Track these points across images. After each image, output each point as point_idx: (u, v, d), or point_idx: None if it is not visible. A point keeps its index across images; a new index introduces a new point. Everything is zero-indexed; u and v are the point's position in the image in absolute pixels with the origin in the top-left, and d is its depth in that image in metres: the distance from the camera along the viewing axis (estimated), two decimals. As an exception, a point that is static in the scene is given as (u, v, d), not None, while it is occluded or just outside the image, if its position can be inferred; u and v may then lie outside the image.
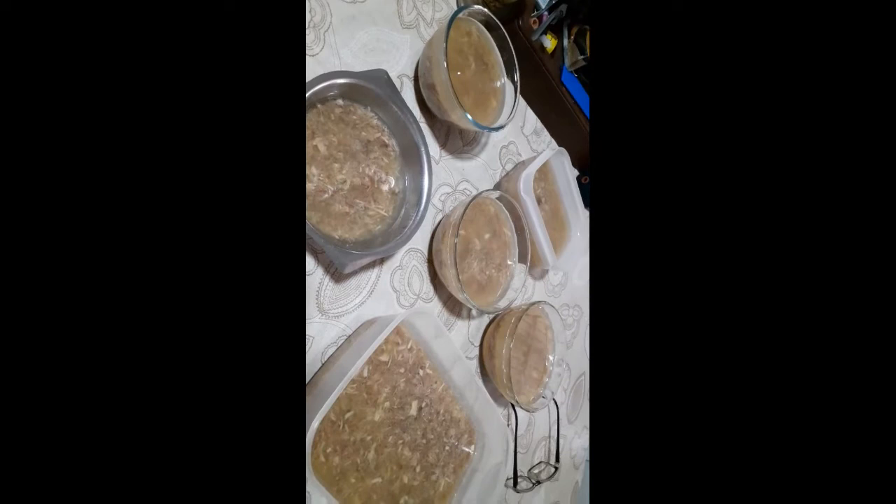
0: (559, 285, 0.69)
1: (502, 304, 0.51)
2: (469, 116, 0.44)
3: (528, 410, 0.54)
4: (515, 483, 0.50)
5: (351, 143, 0.40)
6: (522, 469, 0.56)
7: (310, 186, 0.37)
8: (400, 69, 0.46)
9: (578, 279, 0.73)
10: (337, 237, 0.38)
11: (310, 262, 0.38)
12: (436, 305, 0.49)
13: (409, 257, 0.47)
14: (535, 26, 0.73)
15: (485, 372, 0.54)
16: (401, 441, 0.42)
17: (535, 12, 0.73)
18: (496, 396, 0.54)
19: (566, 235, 0.66)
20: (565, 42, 0.80)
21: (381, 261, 0.44)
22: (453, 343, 0.44)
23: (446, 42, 0.42)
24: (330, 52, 0.41)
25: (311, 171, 0.37)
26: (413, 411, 0.43)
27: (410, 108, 0.43)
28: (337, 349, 0.40)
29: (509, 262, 0.54)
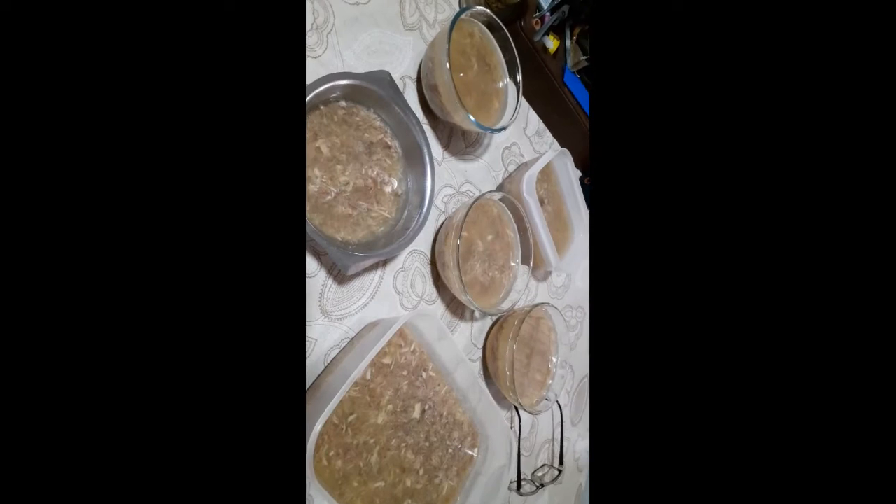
0: (562, 287, 0.69)
1: (505, 305, 0.51)
2: (472, 117, 0.44)
3: (531, 413, 0.54)
4: (519, 486, 0.50)
5: (354, 145, 0.40)
6: (526, 472, 0.55)
7: (313, 188, 0.37)
8: (403, 71, 0.46)
9: (581, 281, 0.73)
10: (340, 239, 0.38)
11: (313, 264, 0.38)
12: (439, 307, 0.49)
13: (412, 259, 0.47)
14: (537, 27, 0.73)
15: (488, 374, 0.54)
16: (404, 444, 0.41)
17: (538, 13, 0.73)
18: (499, 399, 0.54)
19: (569, 237, 0.65)
20: (567, 43, 0.80)
21: (384, 263, 0.44)
22: (456, 345, 0.44)
23: (449, 43, 0.42)
24: (333, 54, 0.41)
25: (314, 172, 0.37)
26: (416, 414, 0.43)
27: (413, 109, 0.43)
28: (340, 352, 0.40)
29: (512, 264, 0.54)
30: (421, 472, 0.43)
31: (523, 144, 0.63)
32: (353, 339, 0.41)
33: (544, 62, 0.75)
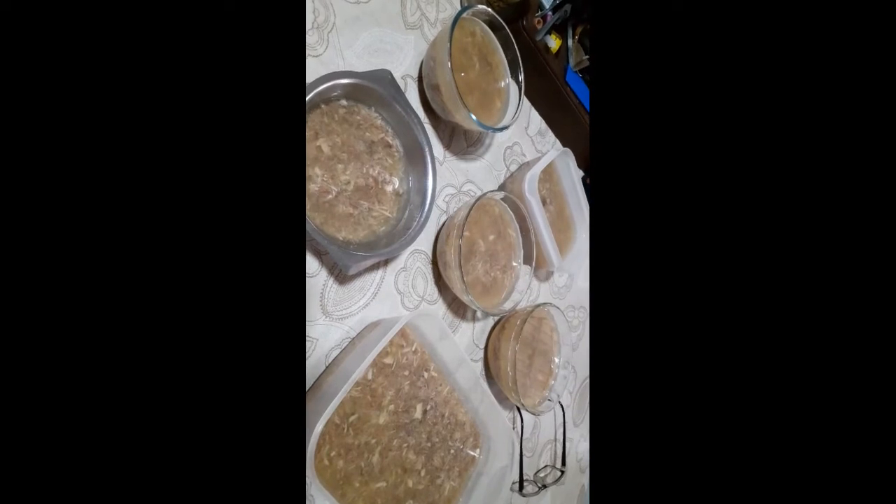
0: (564, 287, 0.69)
1: (507, 305, 0.51)
2: (473, 117, 0.44)
3: (533, 413, 0.54)
4: (521, 487, 0.50)
5: (355, 144, 0.40)
6: (528, 473, 0.55)
7: (313, 187, 0.37)
8: (404, 70, 0.46)
9: (584, 281, 0.73)
10: (341, 238, 0.38)
11: (314, 264, 0.38)
12: (440, 307, 0.49)
13: (414, 259, 0.46)
14: (539, 26, 0.73)
15: (490, 374, 0.54)
16: (405, 444, 0.41)
17: (539, 12, 0.73)
18: (501, 399, 0.54)
19: (571, 236, 0.65)
20: (569, 42, 0.80)
21: (386, 262, 0.44)
22: (458, 345, 0.44)
23: (450, 42, 0.41)
24: (334, 53, 0.40)
25: (315, 171, 0.37)
26: (418, 414, 0.43)
27: (414, 108, 0.43)
28: (341, 352, 0.40)
29: (514, 264, 0.54)
30: (423, 473, 0.42)
31: (525, 144, 0.62)
32: (354, 339, 0.41)
33: (546, 61, 0.75)
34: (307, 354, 0.38)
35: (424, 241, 0.48)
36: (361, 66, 0.42)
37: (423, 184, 0.43)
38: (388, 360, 0.41)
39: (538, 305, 0.53)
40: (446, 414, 0.45)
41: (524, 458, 0.52)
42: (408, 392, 0.42)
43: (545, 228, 0.54)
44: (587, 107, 0.83)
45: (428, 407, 0.44)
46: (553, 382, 0.59)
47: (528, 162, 0.60)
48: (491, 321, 0.55)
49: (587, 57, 0.80)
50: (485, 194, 0.46)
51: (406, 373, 0.42)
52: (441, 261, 0.47)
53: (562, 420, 0.61)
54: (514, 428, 0.54)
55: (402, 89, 0.42)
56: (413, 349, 0.43)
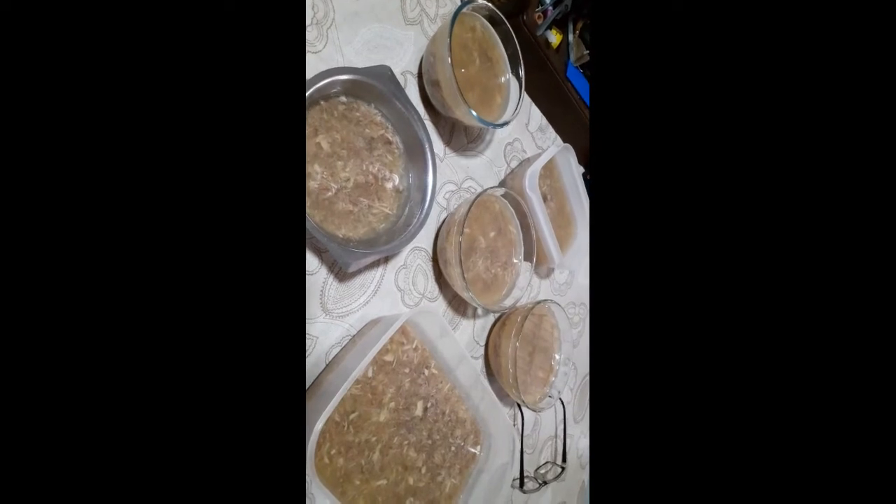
0: (565, 284, 0.69)
1: (508, 302, 0.51)
2: (474, 113, 0.43)
3: (534, 410, 0.54)
4: (522, 483, 0.50)
5: (354, 141, 0.40)
6: (529, 469, 0.55)
7: (313, 184, 0.37)
8: (404, 66, 0.46)
9: (584, 277, 0.73)
10: (341, 236, 0.38)
11: (313, 261, 0.38)
12: (441, 304, 0.49)
13: (414, 256, 0.46)
14: (539, 21, 0.73)
15: (490, 371, 0.54)
16: (406, 442, 0.41)
17: (540, 7, 0.72)
18: (502, 396, 0.54)
19: (572, 233, 0.65)
20: (570, 37, 0.79)
21: (386, 259, 0.44)
22: (458, 342, 0.44)
23: (450, 38, 0.41)
24: (333, 49, 0.40)
25: (315, 168, 0.37)
26: (418, 412, 0.42)
27: (414, 104, 0.42)
28: (341, 349, 0.40)
29: (515, 261, 0.54)
30: (423, 470, 0.42)
31: (526, 140, 0.62)
32: (354, 336, 0.41)
33: (547, 57, 0.75)
34: (307, 352, 0.38)
35: (425, 238, 0.47)
36: (361, 63, 0.42)
37: (424, 180, 0.43)
38: (389, 358, 0.41)
39: (539, 302, 0.53)
40: (447, 411, 0.45)
41: (525, 455, 0.52)
42: (408, 389, 0.42)
43: (546, 225, 0.53)
44: (588, 102, 0.82)
45: (428, 404, 0.44)
46: (554, 379, 0.59)
47: (528, 158, 0.60)
48: (491, 318, 0.55)
49: (588, 52, 0.79)
50: (485, 191, 0.46)
51: (406, 370, 0.42)
52: (441, 258, 0.46)
53: (562, 417, 0.61)
54: (514, 425, 0.54)
55: (402, 85, 0.42)
56: (413, 346, 0.43)
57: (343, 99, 0.39)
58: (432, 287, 0.48)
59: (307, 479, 0.31)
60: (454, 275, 0.44)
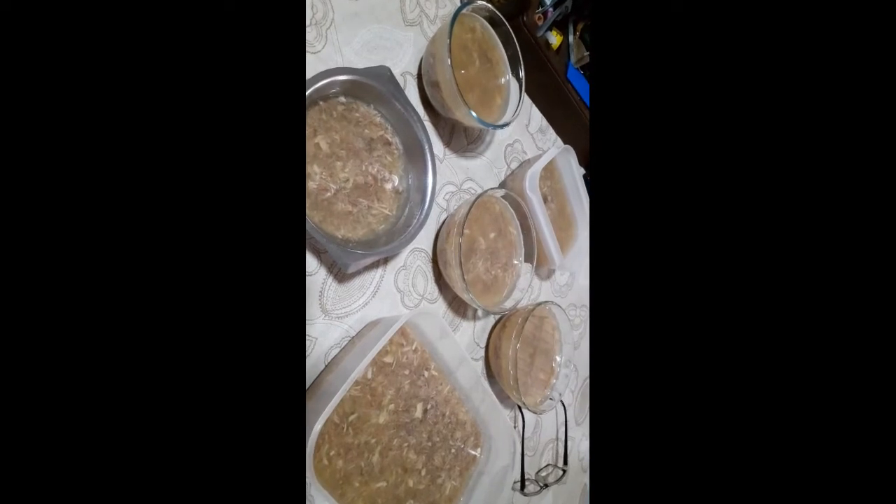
0: (566, 285, 0.68)
1: (508, 304, 0.51)
2: (474, 114, 0.43)
3: (535, 412, 0.53)
4: (523, 486, 0.49)
5: (354, 141, 0.40)
6: (530, 472, 0.55)
7: (312, 185, 0.37)
8: (403, 67, 0.46)
9: (585, 279, 0.72)
10: (340, 237, 0.38)
11: (312, 263, 0.38)
12: (441, 306, 0.49)
13: (414, 257, 0.46)
14: (539, 22, 0.73)
15: (491, 373, 0.53)
16: (406, 444, 0.41)
17: (540, 8, 0.72)
18: (503, 398, 0.54)
19: (573, 234, 0.65)
20: (571, 38, 0.79)
21: (385, 261, 0.44)
22: (458, 344, 0.44)
23: (450, 39, 0.41)
24: (332, 50, 0.40)
25: (314, 169, 0.37)
26: (418, 413, 0.42)
27: (414, 106, 0.42)
28: (340, 350, 0.39)
29: (515, 262, 0.53)
30: (423, 473, 0.42)
31: (526, 141, 0.62)
32: (353, 337, 0.40)
33: (547, 58, 0.75)
34: (306, 353, 0.37)
35: (424, 240, 0.47)
36: (360, 63, 0.42)
37: (423, 181, 0.43)
38: (388, 359, 0.41)
39: (539, 304, 0.53)
40: (447, 413, 0.45)
41: (525, 458, 0.51)
42: (408, 391, 0.42)
43: (546, 226, 0.53)
44: (588, 103, 0.82)
45: (428, 406, 0.43)
46: (555, 381, 0.59)
47: (528, 159, 0.60)
48: (492, 320, 0.54)
49: (588, 53, 0.79)
50: (485, 192, 0.46)
51: (406, 372, 0.42)
52: (441, 259, 0.46)
53: (563, 419, 0.61)
54: (515, 427, 0.54)
55: (402, 86, 0.42)
56: (413, 348, 0.43)
57: (342, 99, 0.39)
58: (432, 288, 0.48)
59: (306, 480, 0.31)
60: (454, 276, 0.44)
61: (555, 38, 0.78)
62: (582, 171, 0.65)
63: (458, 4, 0.51)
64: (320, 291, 0.38)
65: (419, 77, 0.47)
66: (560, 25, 0.78)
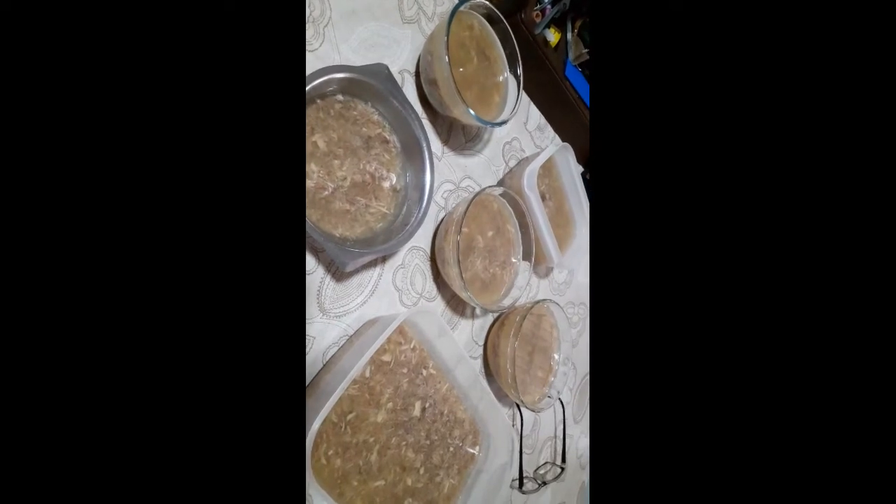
0: (564, 283, 0.68)
1: (506, 302, 0.51)
2: (472, 112, 0.43)
3: (533, 410, 0.53)
4: (521, 484, 0.49)
5: (351, 140, 0.40)
6: (528, 470, 0.55)
7: (309, 184, 0.37)
8: (401, 64, 0.46)
9: (584, 277, 0.72)
10: (338, 235, 0.38)
11: (310, 261, 0.38)
12: (439, 304, 0.49)
13: (412, 255, 0.46)
14: (537, 20, 0.72)
15: (489, 372, 0.53)
16: (404, 443, 0.41)
17: (538, 5, 0.72)
18: (501, 396, 0.54)
19: (571, 232, 0.65)
20: (569, 36, 0.79)
21: (383, 259, 0.43)
22: (457, 342, 0.44)
23: (448, 36, 0.41)
24: (329, 48, 0.40)
25: (311, 167, 0.37)
26: (416, 412, 0.42)
27: (412, 103, 0.42)
28: (338, 349, 0.39)
29: (513, 260, 0.53)
30: (421, 471, 0.42)
31: (524, 139, 0.62)
32: (351, 336, 0.40)
33: (545, 55, 0.74)
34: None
35: (422, 238, 0.47)
36: (358, 61, 0.42)
37: (421, 179, 0.43)
38: (387, 358, 0.41)
39: (538, 302, 0.53)
40: (445, 411, 0.45)
41: (524, 455, 0.51)
42: (406, 390, 0.42)
43: (544, 224, 0.53)
44: (587, 101, 0.82)
45: (427, 405, 0.43)
46: (553, 379, 0.59)
47: (527, 157, 0.60)
48: (490, 318, 0.54)
49: (587, 51, 0.79)
50: (483, 190, 0.46)
51: (404, 370, 0.42)
52: (439, 257, 0.46)
53: (562, 417, 0.61)
54: (513, 425, 0.54)
55: (400, 84, 0.42)
56: (411, 346, 0.43)
57: (340, 97, 0.39)
58: (430, 287, 0.48)
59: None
60: (452, 274, 0.44)
61: (553, 36, 0.77)
62: (580, 168, 0.64)
63: (456, 2, 0.51)
64: (318, 290, 0.38)
65: (417, 75, 0.47)
66: (558, 23, 0.78)
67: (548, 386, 0.58)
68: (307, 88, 0.35)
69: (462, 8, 0.43)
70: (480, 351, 0.54)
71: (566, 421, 0.61)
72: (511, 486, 0.49)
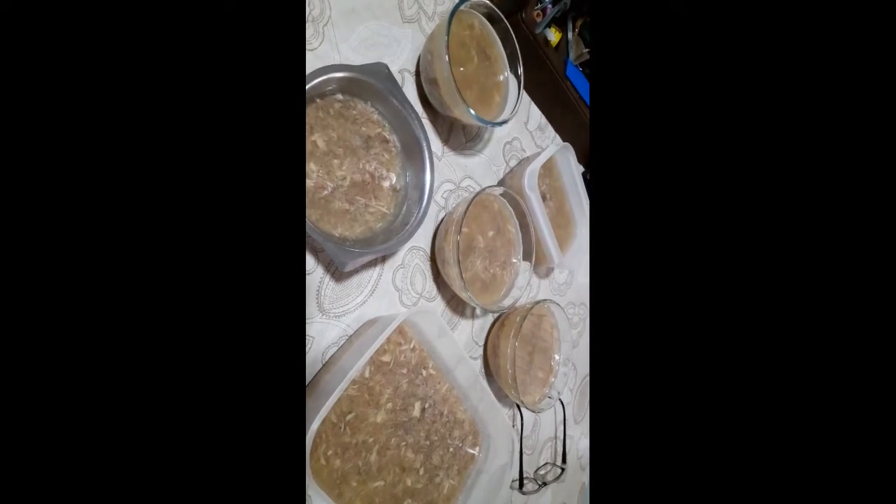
0: (565, 283, 0.68)
1: (507, 302, 0.50)
2: (472, 111, 0.43)
3: (533, 411, 0.53)
4: (521, 485, 0.49)
5: (351, 139, 0.39)
6: (528, 470, 0.55)
7: (309, 183, 0.36)
8: (401, 64, 0.46)
9: (584, 277, 0.72)
10: (337, 235, 0.38)
11: (310, 261, 0.38)
12: (439, 304, 0.49)
13: (412, 255, 0.46)
14: (538, 19, 0.72)
15: (489, 372, 0.53)
16: (404, 443, 0.41)
17: (539, 5, 0.72)
18: (501, 397, 0.54)
19: (572, 232, 0.65)
20: (570, 35, 0.79)
21: (383, 259, 0.43)
22: (457, 343, 0.44)
23: (448, 35, 0.41)
24: (329, 47, 0.40)
25: (310, 167, 0.37)
26: (416, 412, 0.42)
27: (412, 103, 0.42)
28: (338, 349, 0.39)
29: (514, 260, 0.53)
30: (421, 472, 0.42)
31: (525, 139, 0.62)
32: (351, 336, 0.40)
33: (546, 55, 0.74)
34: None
35: (422, 238, 0.47)
36: (357, 61, 0.42)
37: (421, 179, 0.43)
38: (386, 358, 0.40)
39: (538, 302, 0.53)
40: (445, 412, 0.45)
41: (524, 456, 0.51)
42: (406, 390, 0.42)
43: (545, 224, 0.53)
44: (587, 101, 0.82)
45: (426, 405, 0.43)
46: (553, 380, 0.59)
47: (527, 157, 0.59)
48: (490, 318, 0.54)
49: (587, 50, 0.79)
50: (484, 190, 0.45)
51: (404, 371, 0.42)
52: (439, 257, 0.46)
53: (562, 417, 0.61)
54: (513, 426, 0.54)
55: (400, 84, 0.42)
56: (411, 347, 0.43)
57: (339, 97, 0.39)
58: (430, 287, 0.48)
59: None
60: (452, 274, 0.44)
61: (553, 35, 0.77)
62: (581, 168, 0.64)
63: (457, 1, 0.51)
64: (318, 290, 0.38)
65: (417, 74, 0.47)
66: (559, 22, 0.77)
67: (548, 386, 0.58)
68: (307, 87, 0.35)
69: (462, 7, 0.43)
70: (480, 351, 0.53)
71: (566, 422, 0.61)
72: (511, 487, 0.48)
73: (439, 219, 0.49)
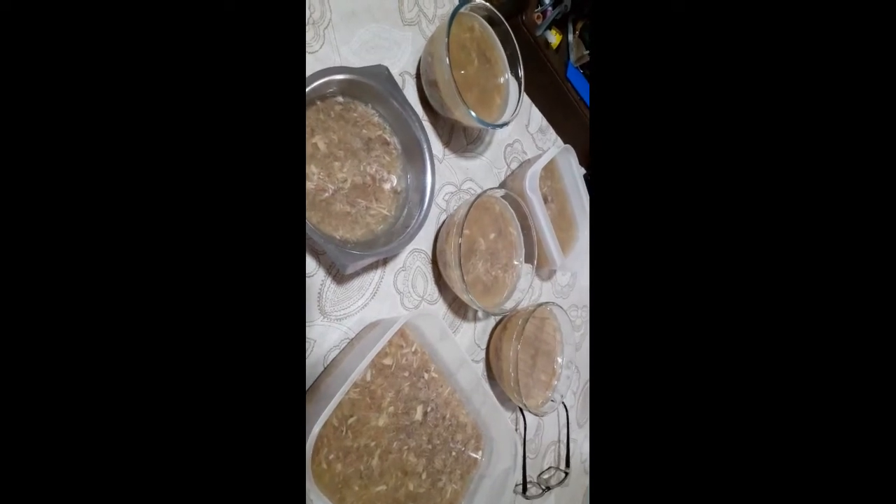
0: (567, 286, 0.68)
1: (509, 305, 0.50)
2: (473, 113, 0.43)
3: (536, 414, 0.53)
4: (525, 489, 0.49)
5: (351, 141, 0.39)
6: (532, 474, 0.54)
7: (310, 185, 0.36)
8: (402, 66, 0.46)
9: (586, 279, 0.72)
10: (338, 237, 0.38)
11: (311, 264, 0.37)
12: (441, 307, 0.48)
13: (413, 258, 0.46)
14: (538, 21, 0.72)
15: (492, 375, 0.53)
16: (406, 447, 0.41)
17: (539, 7, 0.72)
18: (504, 400, 0.53)
19: (574, 235, 0.64)
20: (570, 37, 0.79)
21: (384, 261, 0.43)
22: (459, 346, 0.43)
23: (448, 38, 0.41)
24: (330, 50, 0.40)
25: (311, 169, 0.37)
26: (418, 416, 0.42)
27: (412, 105, 0.42)
28: (339, 352, 0.39)
29: (515, 263, 0.53)
30: (423, 476, 0.42)
31: (526, 141, 0.62)
32: (352, 339, 0.40)
33: (546, 57, 0.74)
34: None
35: (424, 240, 0.47)
36: (358, 63, 0.42)
37: (422, 181, 0.43)
38: (388, 361, 0.40)
39: (540, 305, 0.52)
40: (447, 415, 0.45)
41: (527, 460, 0.51)
42: (408, 393, 0.41)
43: (547, 226, 0.53)
44: (588, 103, 0.82)
45: (428, 409, 0.43)
46: (556, 383, 0.58)
47: (528, 159, 0.59)
48: (492, 321, 0.54)
49: (588, 52, 0.79)
50: (485, 192, 0.45)
51: (406, 374, 0.41)
52: (441, 260, 0.46)
53: (565, 421, 0.61)
54: (516, 429, 0.54)
55: (400, 86, 0.42)
56: (413, 350, 0.42)
57: (340, 99, 0.39)
58: (432, 289, 0.47)
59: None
60: (454, 277, 0.44)
61: (554, 37, 0.77)
62: (582, 170, 0.64)
63: (457, 3, 0.51)
64: (319, 293, 0.38)
65: (418, 77, 0.47)
66: (559, 24, 0.78)
67: (551, 390, 0.58)
68: (307, 90, 0.35)
69: (463, 10, 0.43)
70: (483, 354, 0.53)
71: (570, 425, 0.61)
72: (514, 492, 0.48)
73: (440, 221, 0.49)
